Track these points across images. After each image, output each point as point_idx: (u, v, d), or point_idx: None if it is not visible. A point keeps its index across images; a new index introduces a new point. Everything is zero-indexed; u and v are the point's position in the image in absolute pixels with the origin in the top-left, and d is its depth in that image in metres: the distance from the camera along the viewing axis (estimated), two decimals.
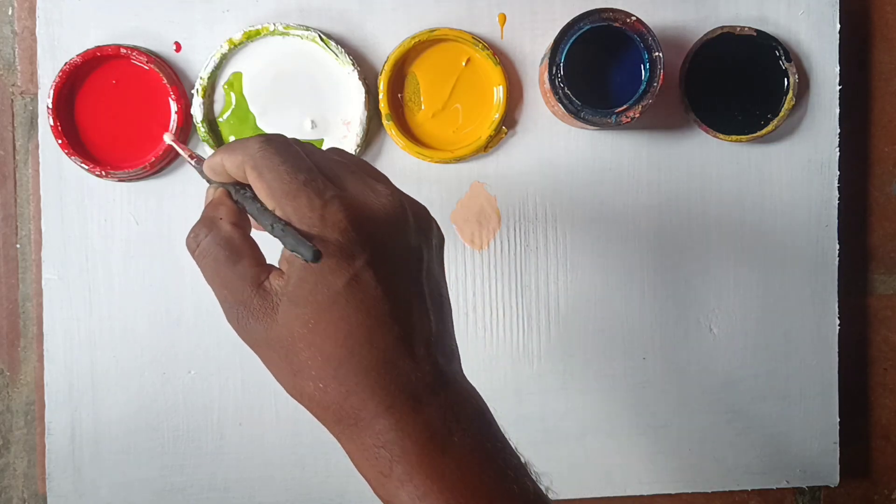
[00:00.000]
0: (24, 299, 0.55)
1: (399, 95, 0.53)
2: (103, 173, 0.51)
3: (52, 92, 0.50)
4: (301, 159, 0.32)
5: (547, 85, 0.49)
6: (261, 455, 0.53)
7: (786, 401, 0.55)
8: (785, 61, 0.52)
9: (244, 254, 0.33)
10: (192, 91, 0.52)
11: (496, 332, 0.54)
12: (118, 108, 0.52)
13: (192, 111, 0.51)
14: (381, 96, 0.52)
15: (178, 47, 0.52)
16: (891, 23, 0.56)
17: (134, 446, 0.53)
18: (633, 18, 0.48)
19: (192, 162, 0.39)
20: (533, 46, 0.53)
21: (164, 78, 0.51)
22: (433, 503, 0.31)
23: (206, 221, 0.34)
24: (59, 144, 0.51)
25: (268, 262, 0.33)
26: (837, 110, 0.54)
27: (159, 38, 0.52)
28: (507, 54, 0.53)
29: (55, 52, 0.52)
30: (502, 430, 0.34)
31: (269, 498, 0.54)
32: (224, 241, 0.33)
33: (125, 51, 0.51)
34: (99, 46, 0.51)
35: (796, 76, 0.52)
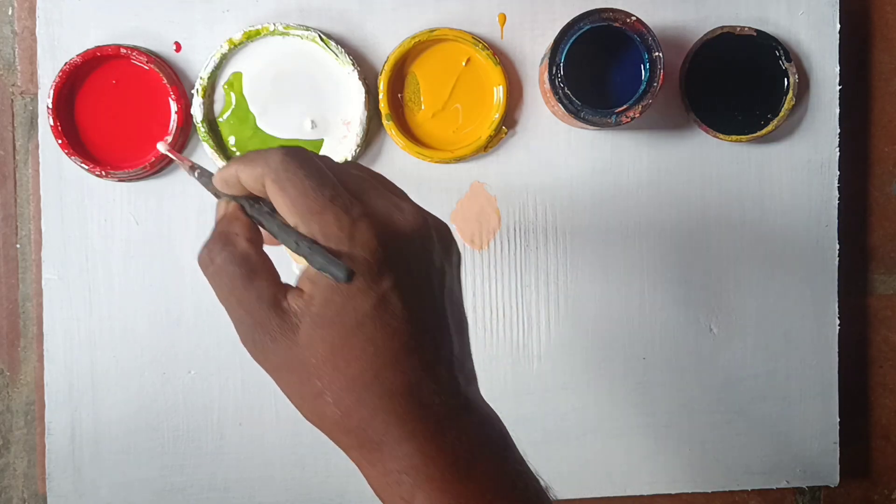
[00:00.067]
0: (24, 299, 0.55)
1: (399, 95, 0.53)
2: (103, 173, 0.51)
3: (52, 92, 0.50)
4: (325, 174, 0.31)
5: (547, 85, 0.49)
6: (261, 455, 0.53)
7: (786, 401, 0.55)
8: (785, 61, 0.52)
9: (261, 272, 0.31)
10: (192, 91, 0.52)
11: (496, 332, 0.54)
12: (118, 108, 0.52)
13: (192, 111, 0.51)
14: (381, 96, 0.52)
15: (178, 47, 0.52)
16: (891, 23, 0.56)
17: (134, 446, 0.53)
18: (633, 18, 0.48)
19: (194, 174, 0.37)
20: (533, 46, 0.53)
21: (164, 78, 0.51)
22: None
23: (221, 237, 0.32)
24: (59, 144, 0.51)
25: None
26: (837, 110, 0.54)
27: (159, 38, 0.52)
28: (507, 54, 0.53)
29: (55, 52, 0.52)
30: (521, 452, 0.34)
31: (269, 498, 0.54)
32: (241, 259, 0.31)
33: (125, 51, 0.51)
34: (99, 46, 0.51)
35: (796, 76, 0.52)
